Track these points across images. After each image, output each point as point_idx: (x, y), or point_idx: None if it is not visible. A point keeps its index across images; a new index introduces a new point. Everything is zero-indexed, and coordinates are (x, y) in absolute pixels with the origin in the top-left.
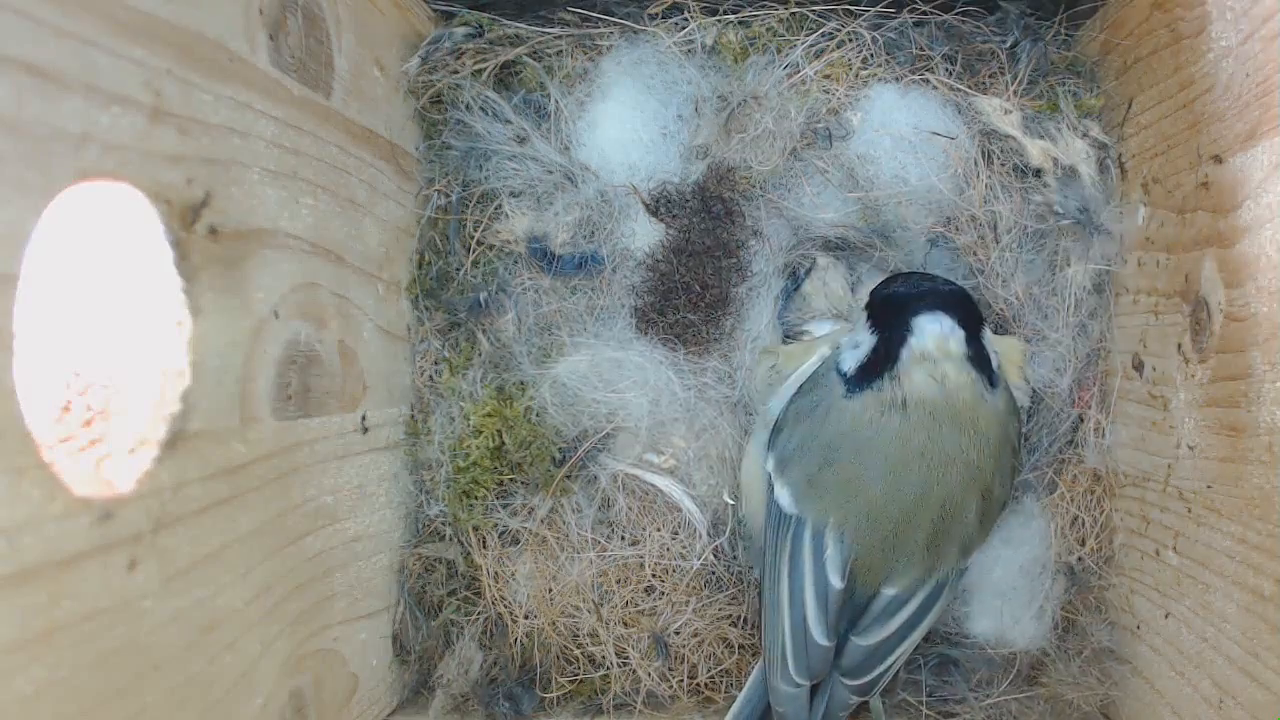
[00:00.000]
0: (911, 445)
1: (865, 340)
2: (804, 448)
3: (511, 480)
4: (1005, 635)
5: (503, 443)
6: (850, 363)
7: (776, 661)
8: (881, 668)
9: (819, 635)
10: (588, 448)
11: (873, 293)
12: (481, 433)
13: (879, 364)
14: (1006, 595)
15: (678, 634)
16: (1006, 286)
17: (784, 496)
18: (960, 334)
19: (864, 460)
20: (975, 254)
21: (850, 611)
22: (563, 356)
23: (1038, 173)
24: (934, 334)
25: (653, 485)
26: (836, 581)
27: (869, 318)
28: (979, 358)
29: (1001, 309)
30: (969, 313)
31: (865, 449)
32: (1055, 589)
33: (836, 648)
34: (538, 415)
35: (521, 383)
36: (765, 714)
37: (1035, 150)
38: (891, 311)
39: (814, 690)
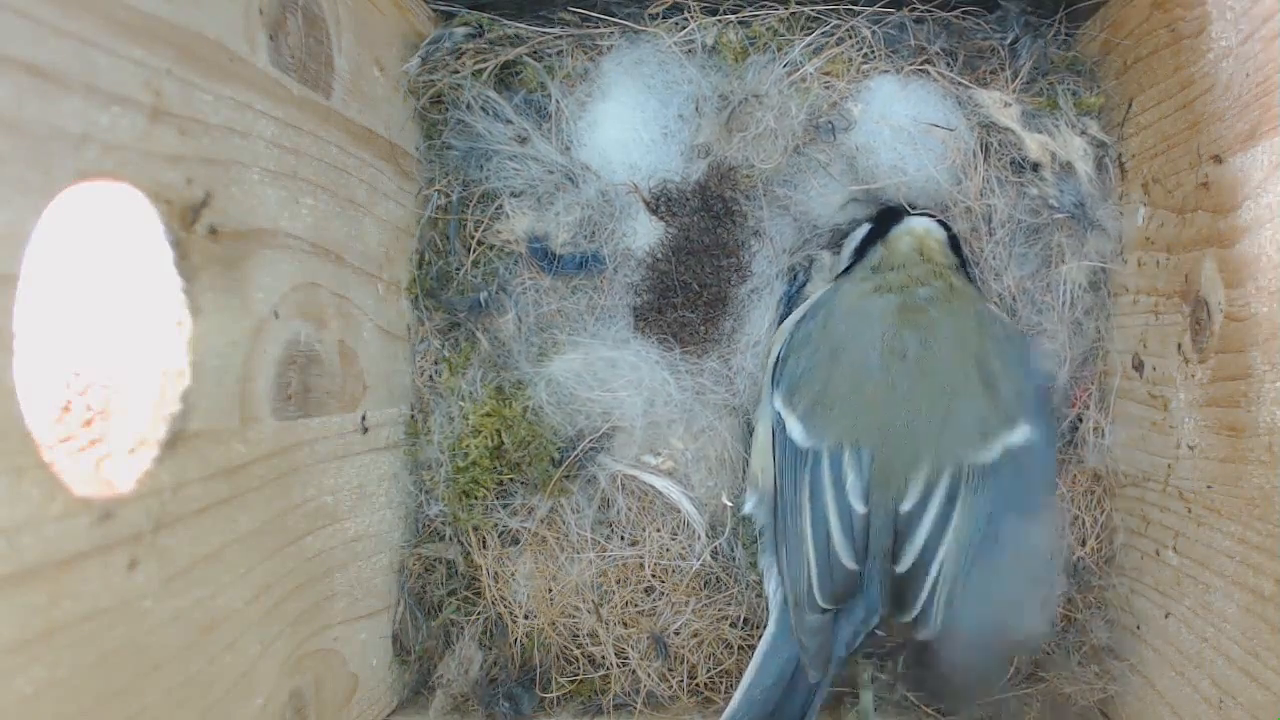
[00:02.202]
0: (897, 307)
1: (861, 232)
2: (811, 364)
3: (511, 480)
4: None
5: (502, 442)
6: (847, 250)
7: (802, 591)
8: (924, 592)
9: (846, 558)
10: (584, 448)
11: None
12: (480, 432)
13: (871, 240)
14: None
15: (677, 634)
16: (999, 279)
17: (796, 430)
18: (944, 232)
19: (864, 342)
20: (969, 245)
21: (882, 540)
22: (559, 355)
23: (1035, 167)
24: (922, 222)
25: (651, 486)
26: (859, 506)
27: (869, 221)
28: (958, 252)
29: (995, 302)
30: (952, 232)
31: (862, 326)
32: (1060, 582)
33: (885, 585)
34: (535, 415)
35: (520, 382)
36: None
37: (1033, 144)
38: (889, 214)
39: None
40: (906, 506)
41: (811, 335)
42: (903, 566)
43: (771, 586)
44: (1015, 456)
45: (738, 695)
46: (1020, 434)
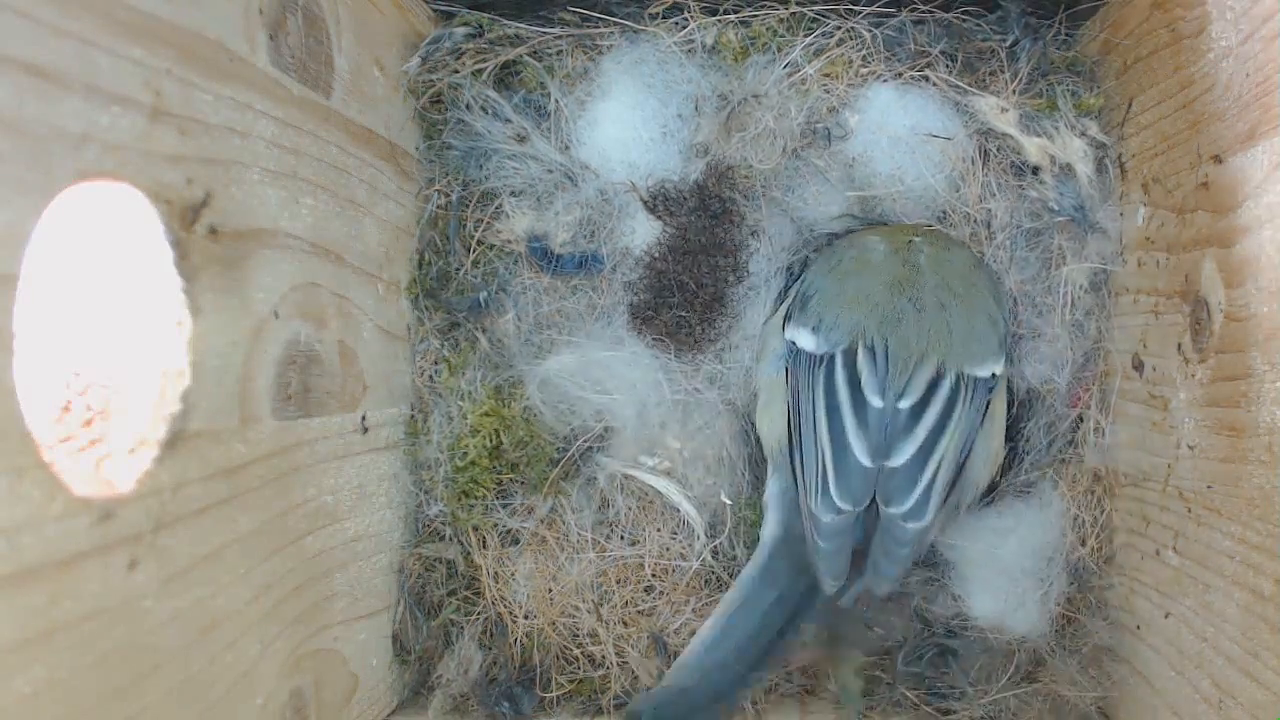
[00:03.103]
0: (904, 234)
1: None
2: (820, 286)
3: (510, 480)
4: (1006, 619)
5: (500, 442)
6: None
7: (815, 490)
8: (921, 485)
9: (861, 455)
10: (579, 448)
11: None
12: (479, 432)
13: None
14: (1014, 576)
15: (677, 633)
16: (1000, 283)
17: (808, 342)
18: None
19: (874, 254)
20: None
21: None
22: (553, 354)
23: (1035, 170)
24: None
25: (651, 486)
26: (876, 401)
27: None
28: None
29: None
30: None
31: (871, 247)
32: (1060, 581)
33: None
34: (534, 415)
35: (518, 382)
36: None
37: (1032, 148)
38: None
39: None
40: (906, 403)
41: (821, 270)
42: (898, 460)
43: (770, 519)
44: (997, 384)
45: (708, 636)
46: (1002, 366)
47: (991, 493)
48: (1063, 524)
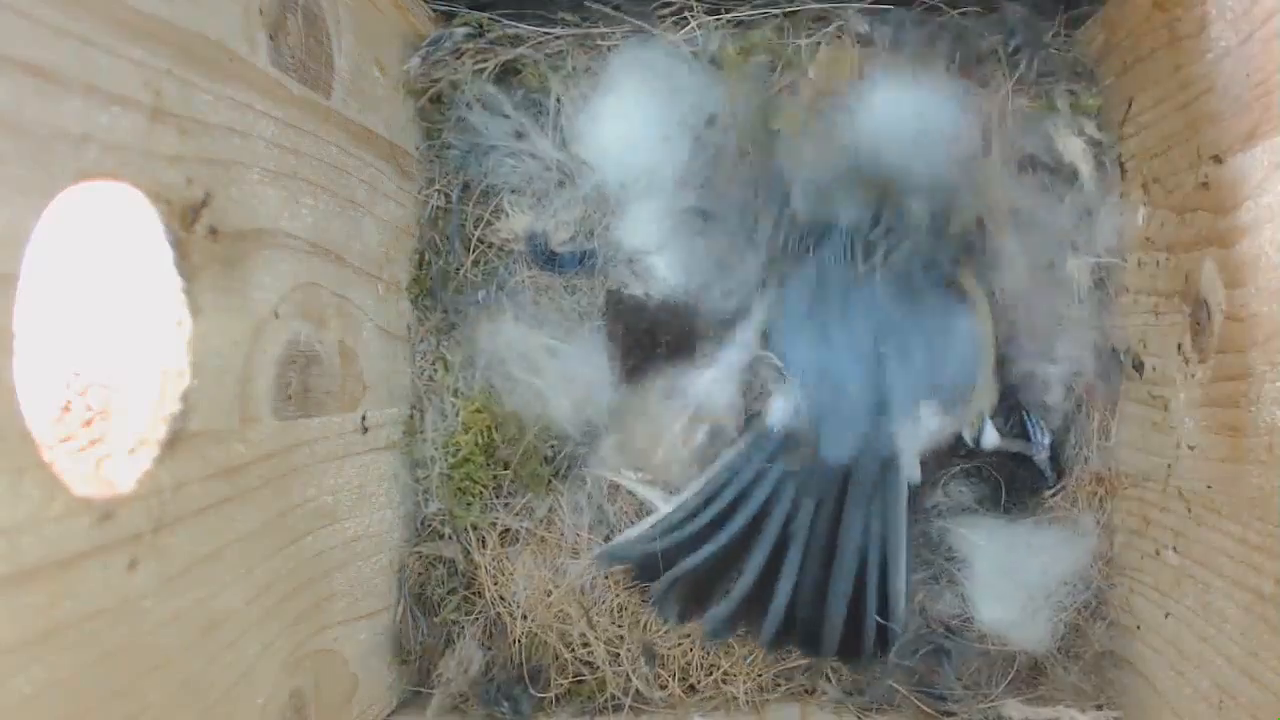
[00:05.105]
0: None
1: None
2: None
3: (507, 478)
4: (1012, 631)
5: (493, 439)
6: None
7: None
8: None
9: None
10: (569, 451)
11: None
12: (470, 429)
13: None
14: (1032, 593)
15: (669, 633)
16: (1001, 282)
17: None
18: None
19: None
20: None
21: None
22: (544, 354)
23: (1036, 168)
24: None
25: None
26: None
27: None
28: None
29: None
30: None
31: None
32: (1076, 602)
33: None
34: (524, 411)
35: (512, 379)
36: None
37: (1034, 146)
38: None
39: None
40: None
41: None
42: None
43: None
44: None
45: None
46: None
47: (1038, 499)
48: (1097, 554)
